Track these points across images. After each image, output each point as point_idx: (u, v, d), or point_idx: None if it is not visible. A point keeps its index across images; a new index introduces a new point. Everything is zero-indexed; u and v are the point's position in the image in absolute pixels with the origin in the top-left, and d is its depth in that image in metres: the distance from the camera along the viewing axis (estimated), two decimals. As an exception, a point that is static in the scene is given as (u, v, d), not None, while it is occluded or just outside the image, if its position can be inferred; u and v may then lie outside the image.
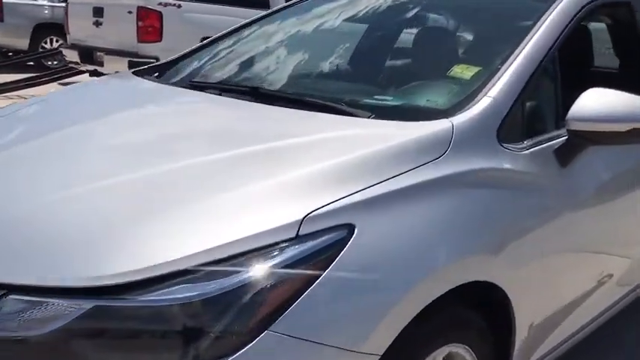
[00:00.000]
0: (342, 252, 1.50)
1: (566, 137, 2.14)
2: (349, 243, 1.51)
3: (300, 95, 2.26)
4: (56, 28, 11.02)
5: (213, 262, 1.42)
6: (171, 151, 1.83)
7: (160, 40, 7.55)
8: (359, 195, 1.60)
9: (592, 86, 2.28)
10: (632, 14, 2.79)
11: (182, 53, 3.01)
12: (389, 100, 2.22)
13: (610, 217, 2.46)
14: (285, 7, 3.05)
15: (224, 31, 3.02)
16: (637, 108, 2.09)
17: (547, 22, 2.33)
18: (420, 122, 1.92)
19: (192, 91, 2.40)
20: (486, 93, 2.04)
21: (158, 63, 3.06)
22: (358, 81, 2.55)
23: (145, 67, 2.95)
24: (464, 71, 2.23)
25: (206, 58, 2.86)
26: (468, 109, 1.97)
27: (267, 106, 2.15)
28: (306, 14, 2.95)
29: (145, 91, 2.47)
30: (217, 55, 2.87)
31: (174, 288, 1.38)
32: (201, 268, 1.41)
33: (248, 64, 2.69)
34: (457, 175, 1.80)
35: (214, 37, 3.04)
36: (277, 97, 2.27)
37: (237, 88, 2.40)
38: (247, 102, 2.21)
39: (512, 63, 2.15)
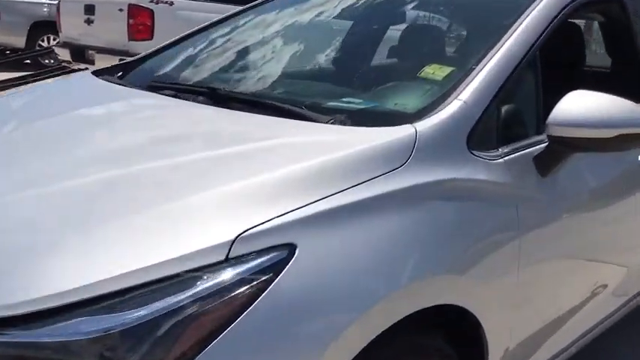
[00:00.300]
0: (280, 276, 1.33)
1: (547, 144, 1.97)
2: (288, 266, 1.34)
3: (259, 97, 2.09)
4: (53, 26, 10.79)
5: (128, 289, 1.25)
6: (100, 160, 1.66)
7: (152, 39, 7.37)
8: (303, 210, 1.42)
9: (582, 87, 2.12)
10: (624, 11, 2.61)
11: (148, 52, 2.85)
12: (355, 104, 2.04)
13: (596, 228, 2.29)
14: (254, 6, 2.88)
15: (191, 30, 2.86)
16: (625, 112, 1.91)
17: (528, 19, 2.15)
18: (382, 128, 1.75)
19: (147, 92, 2.23)
20: (457, 96, 1.86)
21: (125, 61, 2.89)
22: (326, 82, 2.37)
23: (109, 66, 2.78)
24: (436, 72, 2.05)
25: (171, 57, 2.70)
26: (435, 113, 1.80)
27: (220, 109, 1.98)
28: (275, 13, 2.78)
29: (95, 92, 2.30)
30: (182, 54, 2.71)
31: (80, 319, 1.21)
32: (114, 296, 1.24)
33: (212, 63, 2.52)
34: (419, 187, 1.63)
35: (182, 35, 2.88)
36: (235, 98, 2.10)
37: (195, 89, 2.23)
38: (199, 105, 2.03)
39: (487, 63, 1.97)
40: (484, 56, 2.01)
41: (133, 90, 2.29)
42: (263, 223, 1.37)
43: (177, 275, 1.27)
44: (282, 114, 1.90)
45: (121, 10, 7.56)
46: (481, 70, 1.95)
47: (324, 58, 2.59)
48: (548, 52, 2.38)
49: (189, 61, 2.60)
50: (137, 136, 1.81)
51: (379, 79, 2.24)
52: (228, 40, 2.72)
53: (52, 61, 10.59)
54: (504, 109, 1.96)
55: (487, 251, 1.77)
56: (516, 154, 1.93)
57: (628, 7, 2.61)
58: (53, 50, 9.14)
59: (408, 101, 1.96)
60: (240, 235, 1.33)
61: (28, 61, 11.03)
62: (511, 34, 2.09)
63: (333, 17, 2.61)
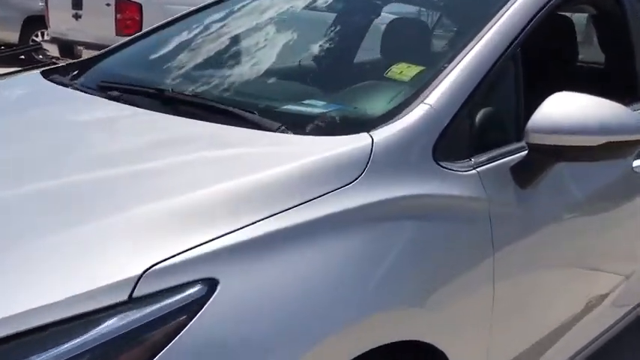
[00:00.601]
0: (195, 319, 1.12)
1: (527, 152, 1.76)
2: (206, 306, 1.14)
3: (209, 100, 1.88)
4: (47, 20, 10.70)
5: (5, 338, 1.05)
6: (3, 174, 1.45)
7: (140, 34, 7.16)
8: (228, 238, 1.21)
9: (573, 85, 1.91)
10: (618, 3, 2.39)
11: (108, 49, 2.65)
12: (317, 107, 1.83)
13: (587, 242, 2.08)
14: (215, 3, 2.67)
15: (152, 26, 2.66)
16: (613, 116, 1.71)
17: (510, 12, 1.94)
18: (335, 137, 1.54)
19: (89, 96, 2.02)
20: (423, 99, 1.65)
21: (81, 60, 2.69)
22: (292, 80, 2.15)
23: (63, 64, 2.58)
24: (403, 71, 1.84)
25: (130, 55, 2.50)
26: (397, 120, 1.59)
27: (158, 114, 1.77)
28: (237, 8, 2.56)
29: (31, 96, 2.10)
30: (141, 52, 2.51)
31: None
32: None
33: (170, 62, 2.30)
34: (373, 206, 1.42)
35: (143, 31, 2.67)
36: (183, 101, 1.88)
37: (144, 90, 2.01)
38: (139, 110, 1.82)
39: (460, 61, 1.76)
40: (457, 53, 1.80)
41: (75, 93, 2.08)
42: (178, 254, 1.16)
43: (69, 319, 1.07)
44: (230, 119, 1.69)
45: (108, 4, 7.37)
46: (453, 69, 1.74)
47: (293, 54, 2.37)
48: (536, 47, 2.17)
49: (146, 60, 2.39)
50: (53, 150, 1.59)
51: (347, 79, 2.03)
52: (191, 35, 2.51)
53: (44, 57, 10.41)
54: (479, 113, 1.76)
55: (455, 276, 1.57)
56: (491, 165, 1.72)
57: (623, -1, 2.40)
58: (41, 46, 8.95)
59: (369, 105, 1.75)
60: (149, 269, 1.13)
61: (23, 56, 10.84)
62: (489, 29, 1.88)
63: (302, 9, 2.40)
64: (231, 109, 1.72)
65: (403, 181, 1.50)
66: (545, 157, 1.75)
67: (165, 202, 1.27)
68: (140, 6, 7.23)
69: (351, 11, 2.56)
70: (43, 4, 11.41)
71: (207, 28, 2.45)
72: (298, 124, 1.65)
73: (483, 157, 1.71)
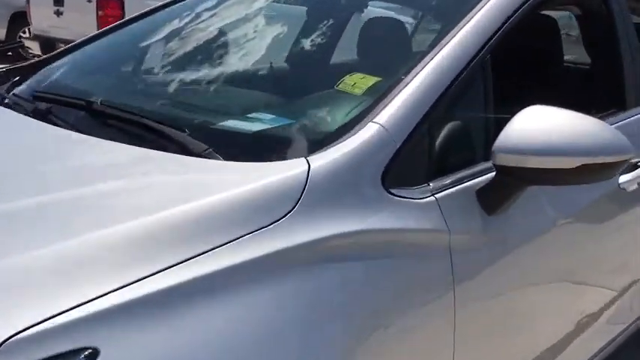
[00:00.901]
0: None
1: (495, 174, 1.55)
2: None
3: (137, 115, 1.64)
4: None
5: None
6: None
7: (122, 31, 6.96)
8: (114, 296, 1.01)
9: (556, 92, 1.71)
10: (605, 3, 2.18)
11: (53, 53, 2.45)
12: (259, 123, 1.61)
13: (565, 270, 1.88)
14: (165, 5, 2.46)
15: (97, 31, 2.45)
16: (591, 135, 1.49)
17: (480, 14, 1.73)
18: (268, 163, 1.33)
19: (6, 109, 1.81)
20: (373, 117, 1.44)
21: (21, 65, 2.49)
22: (238, 90, 1.93)
23: (3, 69, 2.37)
24: (357, 83, 1.63)
25: (71, 62, 2.29)
26: (341, 142, 1.38)
27: (71, 133, 1.55)
28: (187, 11, 2.34)
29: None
30: (85, 57, 2.30)
31: None
32: None
33: (108, 69, 2.10)
34: (306, 246, 1.21)
35: (88, 36, 2.47)
36: (109, 115, 1.66)
37: (71, 102, 1.79)
38: (54, 128, 1.61)
39: (420, 71, 1.55)
40: (417, 62, 1.60)
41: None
42: (48, 319, 0.96)
43: None
44: (157, 139, 1.49)
45: (89, 1, 7.18)
46: (410, 81, 1.53)
47: (246, 58, 2.13)
48: (514, 51, 1.97)
49: (84, 68, 2.18)
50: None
51: (293, 94, 1.81)
52: (137, 39, 2.30)
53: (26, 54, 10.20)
54: (440, 130, 1.55)
55: (407, 320, 1.36)
56: (453, 189, 1.51)
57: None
58: (22, 44, 8.74)
59: (313, 124, 1.54)
60: (6, 340, 0.92)
61: (10, 53, 10.63)
62: (455, 34, 1.67)
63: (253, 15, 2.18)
64: (158, 126, 1.51)
65: (345, 214, 1.30)
66: (515, 180, 1.54)
67: (42, 251, 1.06)
68: (122, 3, 7.04)
69: (315, 9, 2.34)
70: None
71: (154, 30, 2.24)
72: (231, 145, 1.44)
73: (444, 181, 1.51)
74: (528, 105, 1.55)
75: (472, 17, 1.72)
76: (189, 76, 1.97)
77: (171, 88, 1.91)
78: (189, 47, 2.15)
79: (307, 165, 1.29)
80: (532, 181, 1.54)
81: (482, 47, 1.68)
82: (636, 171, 2.09)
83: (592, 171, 1.50)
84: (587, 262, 1.99)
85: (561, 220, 1.81)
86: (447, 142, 1.55)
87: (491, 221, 1.57)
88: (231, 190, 1.22)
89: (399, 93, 1.50)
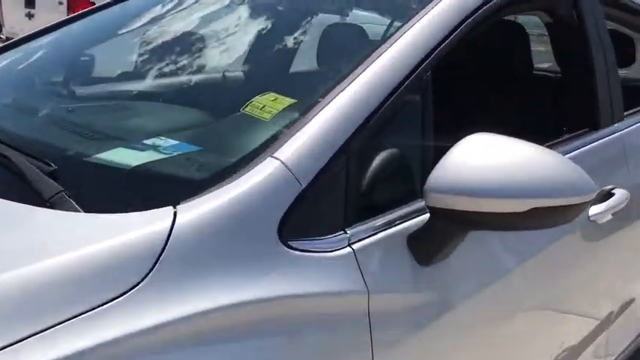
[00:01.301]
0: None
1: (429, 217, 1.28)
2: None
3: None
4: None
5: None
6: None
7: (94, 34, 6.70)
8: None
9: (514, 111, 1.45)
10: (575, 7, 1.91)
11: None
12: (159, 149, 1.33)
13: (524, 325, 1.61)
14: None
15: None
16: (543, 172, 1.22)
17: (419, 24, 1.46)
18: (127, 215, 1.05)
19: None
20: (273, 152, 1.17)
21: None
22: (126, 118, 1.61)
23: None
24: (267, 105, 1.35)
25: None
26: (228, 184, 1.11)
27: None
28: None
29: None
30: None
31: None
32: None
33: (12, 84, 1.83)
34: (153, 331, 0.93)
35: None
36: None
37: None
38: None
39: (341, 92, 1.28)
40: (341, 81, 1.32)
41: None
42: None
43: None
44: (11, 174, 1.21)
45: (60, 2, 6.93)
46: (327, 104, 1.26)
47: (159, 68, 1.85)
48: (466, 64, 1.70)
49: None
50: None
51: (195, 117, 1.52)
52: (52, 48, 2.03)
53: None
54: (363, 165, 1.28)
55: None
56: (376, 236, 1.24)
57: (580, 2, 1.92)
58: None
59: (200, 158, 1.26)
60: None
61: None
62: (389, 47, 1.40)
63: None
64: (16, 158, 1.22)
65: (223, 281, 1.02)
66: (453, 224, 1.27)
67: None
68: (93, 3, 6.75)
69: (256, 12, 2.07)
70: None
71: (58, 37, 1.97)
72: (97, 187, 1.17)
73: (365, 226, 1.23)
74: (478, 130, 1.29)
75: (412, 25, 1.45)
76: (87, 90, 1.70)
77: (53, 103, 1.64)
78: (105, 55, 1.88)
79: (172, 217, 1.02)
80: (474, 225, 1.27)
81: (423, 61, 1.41)
82: (609, 201, 1.82)
83: (546, 215, 1.23)
84: (546, 320, 1.72)
85: (517, 268, 1.54)
86: (371, 179, 1.28)
87: (425, 274, 1.30)
88: (66, 253, 0.94)
89: (311, 120, 1.22)
